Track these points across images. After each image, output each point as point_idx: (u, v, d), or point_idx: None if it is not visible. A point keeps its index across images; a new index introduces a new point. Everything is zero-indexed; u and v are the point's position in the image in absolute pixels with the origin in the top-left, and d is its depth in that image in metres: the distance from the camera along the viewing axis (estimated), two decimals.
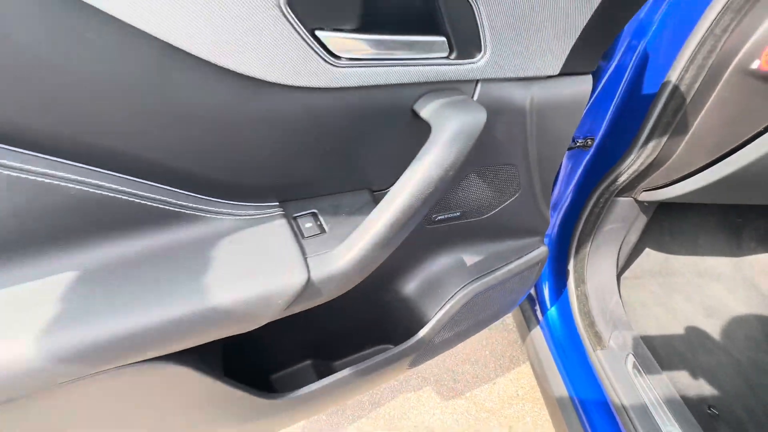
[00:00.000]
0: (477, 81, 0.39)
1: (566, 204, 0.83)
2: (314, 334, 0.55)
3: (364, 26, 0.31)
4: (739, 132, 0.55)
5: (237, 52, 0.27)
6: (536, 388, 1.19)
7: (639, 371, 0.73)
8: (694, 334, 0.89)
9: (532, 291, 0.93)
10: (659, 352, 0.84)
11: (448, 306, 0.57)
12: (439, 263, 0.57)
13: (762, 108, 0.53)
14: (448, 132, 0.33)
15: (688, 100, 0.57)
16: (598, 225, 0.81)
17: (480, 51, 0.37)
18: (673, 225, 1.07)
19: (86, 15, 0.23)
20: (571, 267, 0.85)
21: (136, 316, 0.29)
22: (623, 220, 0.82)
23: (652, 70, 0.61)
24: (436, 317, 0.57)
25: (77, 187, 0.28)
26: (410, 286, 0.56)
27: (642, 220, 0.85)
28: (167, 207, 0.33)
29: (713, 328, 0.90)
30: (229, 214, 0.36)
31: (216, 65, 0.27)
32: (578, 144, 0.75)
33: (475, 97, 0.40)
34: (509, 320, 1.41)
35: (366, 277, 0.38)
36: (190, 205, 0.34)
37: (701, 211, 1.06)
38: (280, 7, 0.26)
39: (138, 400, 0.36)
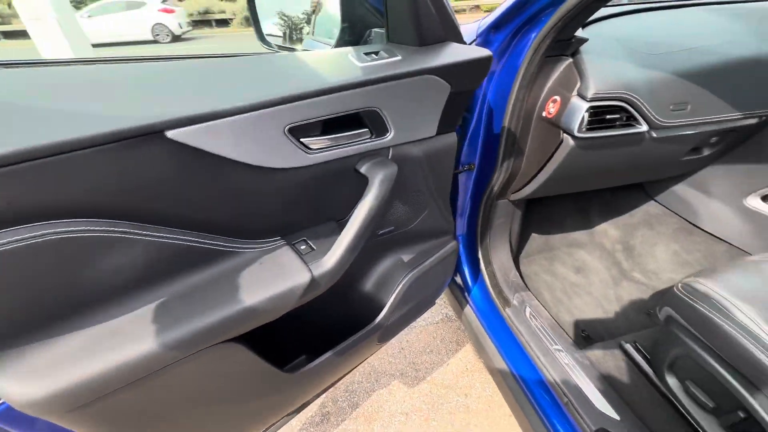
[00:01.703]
0: (390, 147, 0.67)
1: (468, 210, 1.15)
2: (309, 328, 0.76)
3: (325, 131, 0.57)
4: (546, 152, 0.92)
5: (262, 154, 0.51)
6: (478, 359, 1.48)
7: (533, 316, 1.05)
8: (568, 285, 1.26)
9: (458, 278, 1.24)
10: (547, 302, 1.18)
11: (395, 293, 0.82)
12: (386, 263, 0.83)
13: (553, 137, 0.90)
14: (377, 180, 0.59)
15: (518, 135, 0.93)
16: (491, 222, 1.14)
17: (388, 131, 0.65)
18: (548, 214, 1.48)
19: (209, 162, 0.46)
20: (479, 254, 1.16)
21: (212, 316, 0.50)
22: (506, 215, 1.17)
23: (496, 118, 0.95)
24: (389, 302, 0.82)
25: (174, 242, 0.49)
26: (369, 282, 0.81)
27: (519, 214, 1.21)
28: (215, 248, 0.54)
29: (580, 281, 1.28)
30: (252, 248, 0.59)
31: (250, 164, 0.51)
32: (465, 168, 1.08)
33: (390, 157, 0.68)
34: (452, 314, 1.71)
35: (341, 278, 0.61)
36: (229, 245, 0.56)
37: (563, 201, 1.49)
38: (284, 133, 0.51)
39: (213, 374, 0.55)
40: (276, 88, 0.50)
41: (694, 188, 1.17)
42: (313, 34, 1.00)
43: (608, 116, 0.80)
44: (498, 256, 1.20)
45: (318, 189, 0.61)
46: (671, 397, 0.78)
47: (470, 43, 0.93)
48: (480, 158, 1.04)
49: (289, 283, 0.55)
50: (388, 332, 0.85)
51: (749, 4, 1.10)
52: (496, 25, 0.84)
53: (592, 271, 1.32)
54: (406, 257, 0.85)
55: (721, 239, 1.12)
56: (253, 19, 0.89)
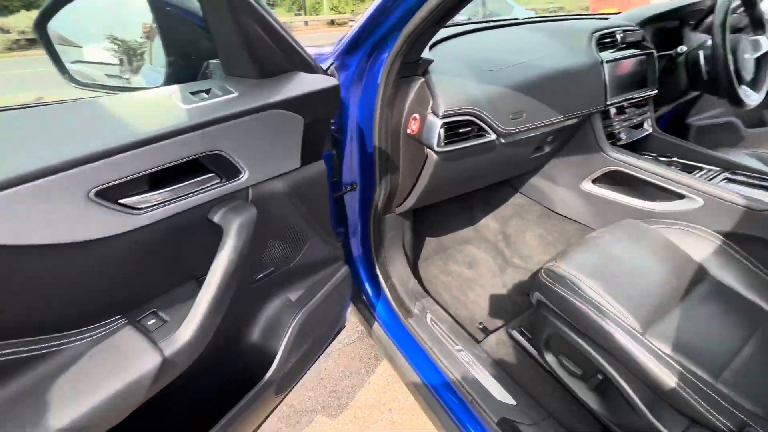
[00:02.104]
0: (248, 187, 0.62)
1: (359, 229, 1.15)
2: (185, 406, 0.65)
3: (161, 183, 0.49)
4: (416, 166, 0.96)
5: (63, 229, 0.41)
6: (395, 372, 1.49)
7: (435, 322, 1.09)
8: (463, 281, 1.35)
9: (364, 297, 1.23)
10: (447, 302, 1.25)
11: (286, 337, 0.76)
12: (271, 308, 0.77)
13: (420, 152, 0.94)
14: (233, 230, 0.54)
15: (390, 153, 0.95)
16: (383, 236, 1.16)
17: (241, 172, 0.59)
18: (437, 217, 1.57)
19: None
20: (378, 270, 1.17)
21: None
22: (396, 228, 1.20)
23: (367, 138, 0.96)
24: (280, 350, 0.76)
25: None
26: (252, 334, 0.74)
27: (408, 224, 1.26)
28: (25, 354, 0.42)
29: (473, 275, 1.39)
30: (79, 340, 0.47)
31: (46, 244, 0.40)
32: (348, 189, 1.07)
33: (250, 198, 0.62)
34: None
35: (217, 339, 0.54)
36: (46, 345, 0.44)
37: (449, 203, 1.59)
38: (90, 198, 0.42)
39: None
40: (74, 146, 0.41)
41: (546, 179, 1.36)
42: (151, 63, 0.88)
43: (461, 130, 0.87)
44: (396, 268, 1.22)
45: (162, 250, 0.53)
46: (551, 372, 0.88)
47: (328, 67, 0.93)
48: (360, 178, 1.04)
49: (132, 374, 0.45)
50: (285, 381, 0.79)
51: (559, 22, 1.33)
52: (348, 50, 0.85)
53: (481, 264, 1.44)
54: (293, 296, 0.80)
55: (571, 219, 1.33)
56: (47, 49, 0.72)
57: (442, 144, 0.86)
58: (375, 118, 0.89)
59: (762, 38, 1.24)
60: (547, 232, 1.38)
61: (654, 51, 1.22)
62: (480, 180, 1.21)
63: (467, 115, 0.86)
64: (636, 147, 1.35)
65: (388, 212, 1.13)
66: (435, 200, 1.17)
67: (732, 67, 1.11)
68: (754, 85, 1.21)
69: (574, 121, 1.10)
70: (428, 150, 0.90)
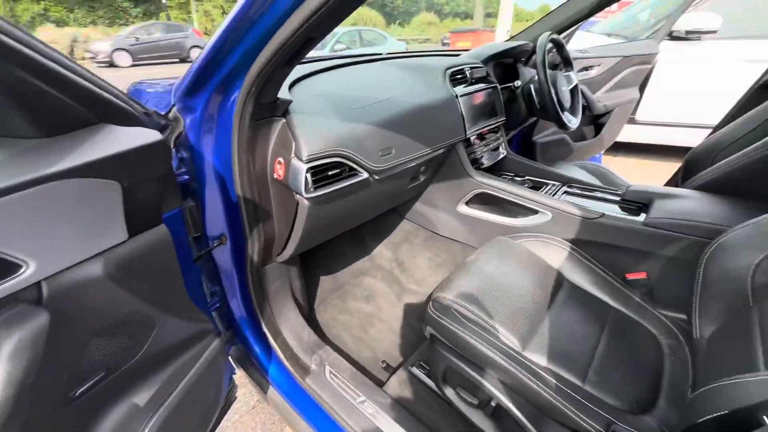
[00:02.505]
0: (40, 282, 0.46)
1: (237, 287, 1.00)
2: None
3: None
4: (290, 212, 0.89)
5: None
6: None
7: (334, 375, 1.00)
8: (363, 318, 1.30)
9: (254, 360, 1.07)
10: (348, 345, 1.18)
11: None
12: (111, 422, 0.59)
13: (290, 197, 0.87)
14: (3, 357, 0.38)
15: (259, 200, 0.85)
16: (266, 290, 1.04)
17: (22, 266, 0.43)
18: (330, 251, 1.51)
19: None
20: (265, 329, 1.04)
21: None
22: (281, 277, 1.09)
23: (229, 186, 0.84)
24: None
25: None
26: None
27: (295, 270, 1.16)
28: None
29: (372, 309, 1.35)
30: None
31: None
32: (216, 244, 0.93)
33: (44, 296, 0.46)
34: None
35: None
36: None
37: (341, 238, 1.54)
38: None
39: None
40: None
41: (427, 205, 1.43)
42: None
43: (330, 172, 0.83)
44: (287, 322, 1.10)
45: None
46: (452, 405, 0.88)
47: (169, 110, 0.79)
48: (229, 230, 0.91)
49: None
50: None
51: (417, 59, 1.43)
52: (189, 91, 0.74)
53: (379, 295, 1.41)
54: (142, 398, 0.63)
55: (454, 240, 1.41)
56: None
57: (311, 189, 0.80)
58: (233, 165, 0.79)
59: (571, 74, 1.53)
60: (436, 254, 1.43)
61: (497, 84, 1.40)
62: (361, 216, 1.19)
63: (334, 156, 0.82)
64: (497, 168, 1.51)
65: (268, 263, 1.02)
66: (318, 242, 1.11)
67: (555, 98, 1.34)
68: (572, 111, 1.48)
69: (442, 151, 1.17)
70: (298, 196, 0.83)
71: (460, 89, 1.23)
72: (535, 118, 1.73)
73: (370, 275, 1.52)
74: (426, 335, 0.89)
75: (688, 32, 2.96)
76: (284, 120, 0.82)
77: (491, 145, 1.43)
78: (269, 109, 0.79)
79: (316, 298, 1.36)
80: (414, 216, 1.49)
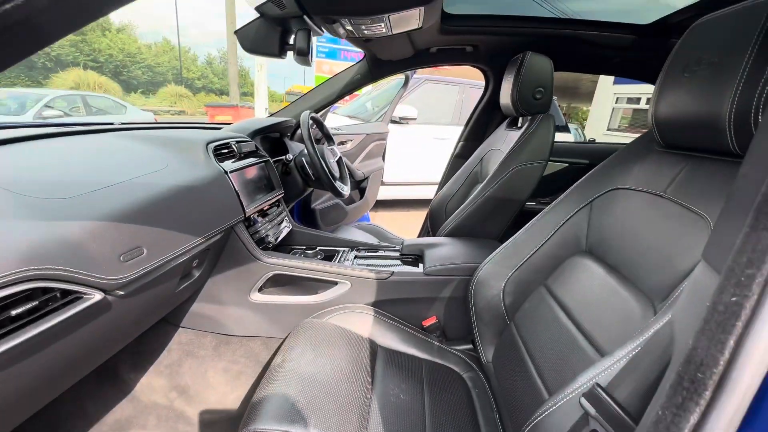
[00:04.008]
0: None
1: None
2: None
3: None
4: None
5: None
6: None
7: None
8: None
9: None
10: None
11: None
12: None
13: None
14: None
15: None
16: None
17: None
18: (53, 424, 0.93)
19: None
20: None
21: None
22: None
23: None
24: None
25: None
26: None
27: None
28: None
29: None
30: None
31: None
32: None
33: None
34: None
35: None
36: None
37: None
38: None
39: None
40: None
41: (210, 303, 1.13)
42: None
43: (16, 310, 0.48)
44: None
45: None
46: None
47: None
48: None
49: None
50: None
51: (166, 131, 1.19)
52: None
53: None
54: None
55: (254, 336, 1.17)
56: None
57: None
58: None
59: (334, 147, 1.68)
60: (232, 362, 1.14)
61: (269, 158, 1.34)
62: (109, 350, 0.80)
63: (26, 282, 0.49)
64: (286, 244, 1.41)
65: None
66: (25, 418, 0.64)
67: (327, 170, 1.40)
68: (342, 180, 1.61)
69: (219, 236, 0.96)
70: None
71: (229, 164, 1.08)
72: (311, 189, 1.78)
73: (137, 426, 1.03)
74: None
75: (401, 118, 4.05)
76: None
77: (275, 220, 1.32)
78: None
79: None
80: (193, 321, 1.15)
